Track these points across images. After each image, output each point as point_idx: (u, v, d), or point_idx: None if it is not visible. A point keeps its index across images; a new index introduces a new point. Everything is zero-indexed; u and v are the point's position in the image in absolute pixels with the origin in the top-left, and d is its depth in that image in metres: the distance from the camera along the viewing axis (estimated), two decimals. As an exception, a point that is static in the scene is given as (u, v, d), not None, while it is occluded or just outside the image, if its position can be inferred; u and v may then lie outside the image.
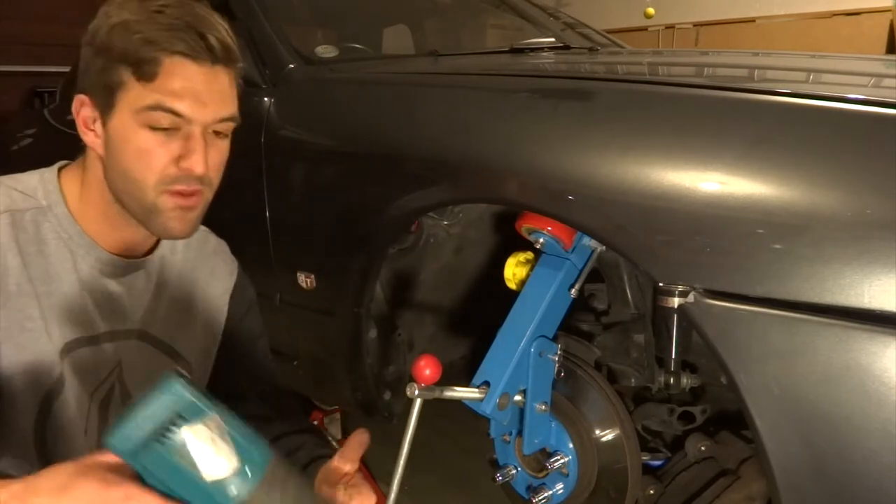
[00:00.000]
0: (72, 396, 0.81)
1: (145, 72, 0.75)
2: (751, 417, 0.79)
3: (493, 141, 1.06)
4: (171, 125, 0.77)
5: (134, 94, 0.76)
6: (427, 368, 0.97)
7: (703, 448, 1.17)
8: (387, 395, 1.46)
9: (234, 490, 0.53)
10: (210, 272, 0.98)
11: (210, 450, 0.53)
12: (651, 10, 3.92)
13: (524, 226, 1.09)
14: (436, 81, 1.40)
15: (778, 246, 0.77)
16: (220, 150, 0.83)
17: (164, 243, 0.92)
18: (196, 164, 0.78)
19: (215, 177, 0.83)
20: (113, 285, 0.85)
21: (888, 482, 0.72)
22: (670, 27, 4.22)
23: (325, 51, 1.61)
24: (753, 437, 0.80)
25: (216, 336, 0.99)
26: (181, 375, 0.54)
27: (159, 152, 0.77)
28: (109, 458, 0.54)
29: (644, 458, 1.18)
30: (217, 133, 0.81)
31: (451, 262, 1.42)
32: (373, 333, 1.38)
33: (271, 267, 1.50)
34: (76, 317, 0.81)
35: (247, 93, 1.52)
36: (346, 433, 1.79)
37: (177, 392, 0.52)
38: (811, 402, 0.75)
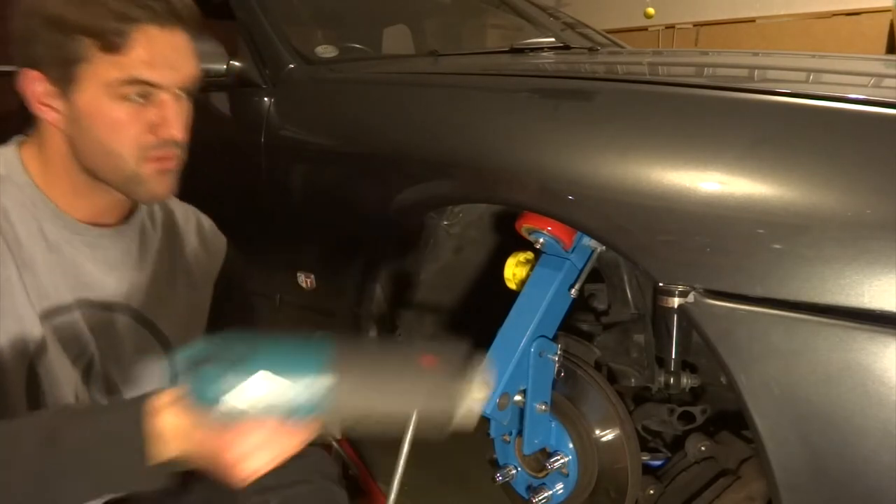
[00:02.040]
0: (56, 364, 0.79)
1: (113, 44, 0.72)
2: (751, 417, 0.79)
3: (492, 141, 1.06)
4: (145, 94, 0.75)
5: (101, 67, 0.74)
6: (427, 368, 0.97)
7: (703, 448, 1.17)
8: (387, 395, 1.46)
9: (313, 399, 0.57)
10: (192, 250, 0.97)
11: (270, 394, 0.57)
12: (651, 10, 3.93)
13: (524, 226, 1.09)
14: (436, 81, 1.40)
15: (778, 246, 0.77)
16: (187, 110, 0.81)
17: (141, 213, 0.90)
18: (175, 130, 0.77)
19: (186, 136, 0.82)
20: (83, 254, 0.83)
21: (888, 482, 0.72)
22: (670, 27, 4.22)
23: (325, 51, 1.61)
24: (753, 437, 0.80)
25: (202, 317, 0.97)
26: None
27: (137, 123, 0.76)
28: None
29: (644, 458, 1.18)
30: (183, 93, 0.80)
31: (451, 262, 1.41)
32: (373, 333, 1.38)
33: (271, 267, 1.49)
34: (45, 284, 0.79)
35: (247, 93, 1.53)
36: (345, 433, 1.79)
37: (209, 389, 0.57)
38: (811, 402, 0.75)
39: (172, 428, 0.61)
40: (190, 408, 0.59)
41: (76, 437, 0.62)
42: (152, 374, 0.89)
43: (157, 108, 0.77)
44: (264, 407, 0.58)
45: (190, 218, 0.99)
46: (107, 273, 0.85)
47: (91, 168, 0.79)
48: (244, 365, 0.57)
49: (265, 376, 0.57)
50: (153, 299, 0.90)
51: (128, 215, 0.88)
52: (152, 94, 0.76)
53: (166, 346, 0.92)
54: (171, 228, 0.95)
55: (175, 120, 0.78)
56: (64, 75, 0.75)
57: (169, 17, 0.75)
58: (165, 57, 0.75)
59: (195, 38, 0.81)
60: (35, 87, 0.77)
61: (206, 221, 1.01)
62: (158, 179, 0.80)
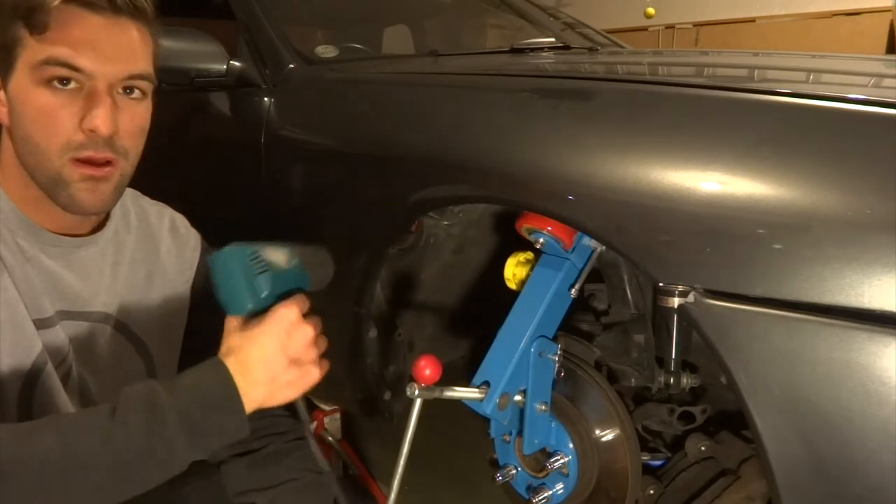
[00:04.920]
0: (50, 376, 0.78)
1: (37, 23, 0.69)
2: (751, 417, 0.79)
3: (492, 141, 1.06)
4: (70, 79, 0.71)
5: (30, 50, 0.70)
6: (427, 368, 0.97)
7: (703, 448, 1.17)
8: (387, 395, 1.46)
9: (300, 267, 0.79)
10: (168, 250, 0.94)
11: (278, 255, 0.75)
12: (651, 10, 3.94)
13: (524, 226, 1.09)
14: (436, 81, 1.40)
15: (778, 246, 0.77)
16: (136, 115, 0.76)
17: (115, 219, 0.87)
18: (100, 121, 0.71)
19: (132, 146, 0.77)
20: (58, 265, 0.79)
21: (888, 482, 0.72)
22: (670, 27, 4.22)
23: (325, 51, 1.61)
24: (753, 437, 0.80)
25: (180, 317, 0.95)
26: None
27: (61, 114, 0.71)
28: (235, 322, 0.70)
29: (644, 458, 1.17)
30: (131, 94, 0.76)
31: (451, 262, 1.41)
32: (373, 333, 1.38)
33: (271, 267, 1.49)
34: (28, 298, 0.76)
35: (247, 93, 1.53)
36: (346, 433, 1.79)
37: (230, 253, 0.70)
38: (811, 402, 0.75)
39: (242, 370, 0.66)
40: (236, 329, 0.68)
41: (176, 407, 0.62)
42: (128, 380, 0.88)
43: (87, 100, 0.72)
44: (278, 258, 0.73)
45: (163, 217, 0.96)
46: (83, 283, 0.82)
47: (27, 169, 0.74)
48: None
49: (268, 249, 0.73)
50: (130, 305, 0.88)
51: (102, 223, 0.85)
52: (84, 84, 0.71)
53: (143, 351, 0.90)
54: (145, 231, 0.92)
55: (103, 111, 0.72)
56: (4, 63, 0.72)
57: (108, 5, 0.71)
58: (96, 44, 0.71)
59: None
60: None
61: (180, 219, 0.99)
62: (85, 187, 0.74)
